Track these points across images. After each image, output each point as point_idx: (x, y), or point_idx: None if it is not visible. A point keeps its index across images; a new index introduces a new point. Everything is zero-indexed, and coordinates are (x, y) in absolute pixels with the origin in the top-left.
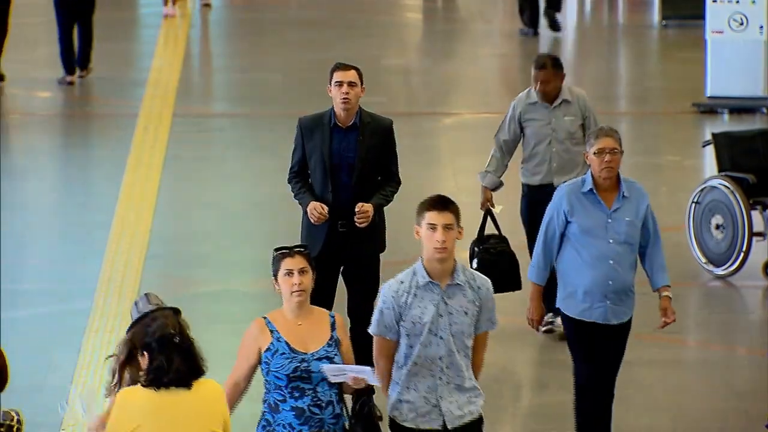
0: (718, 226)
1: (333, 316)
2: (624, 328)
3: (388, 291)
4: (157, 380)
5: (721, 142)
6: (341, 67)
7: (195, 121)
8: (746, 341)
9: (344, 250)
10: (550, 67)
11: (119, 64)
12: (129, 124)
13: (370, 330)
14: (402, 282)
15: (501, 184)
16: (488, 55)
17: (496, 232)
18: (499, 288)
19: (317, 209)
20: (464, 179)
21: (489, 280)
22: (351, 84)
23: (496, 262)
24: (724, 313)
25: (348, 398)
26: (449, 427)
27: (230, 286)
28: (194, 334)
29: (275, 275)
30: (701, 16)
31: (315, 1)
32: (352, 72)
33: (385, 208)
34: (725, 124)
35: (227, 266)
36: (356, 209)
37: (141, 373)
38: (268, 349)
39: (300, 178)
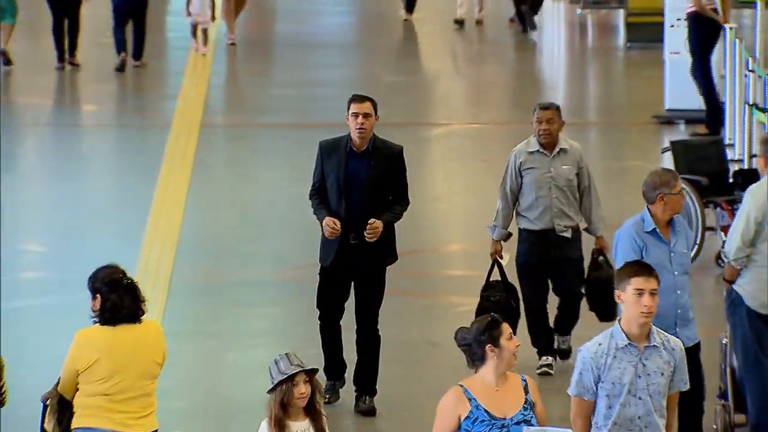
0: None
1: (525, 379)
2: (696, 349)
3: (586, 353)
4: (113, 318)
5: (678, 148)
6: (357, 99)
7: (220, 131)
8: (703, 322)
9: (355, 261)
10: (554, 108)
11: (153, 82)
12: (162, 133)
13: (569, 391)
14: (600, 344)
15: (509, 235)
16: (476, 74)
17: (503, 278)
18: None
19: (330, 224)
20: (454, 181)
21: (680, 342)
22: (366, 115)
23: (493, 310)
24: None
25: None
26: None
27: (251, 276)
28: (220, 317)
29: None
30: (661, 40)
31: (325, 26)
32: (367, 104)
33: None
34: (681, 133)
35: (248, 258)
36: (368, 224)
37: (93, 311)
38: (467, 418)
39: (319, 195)
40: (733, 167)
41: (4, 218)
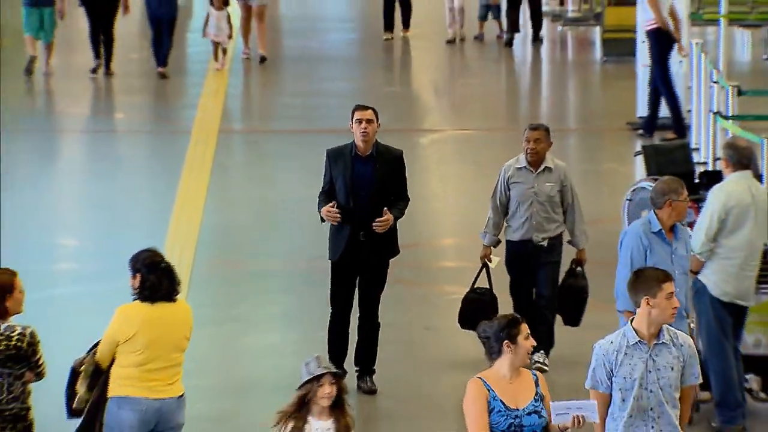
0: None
1: (535, 374)
2: None
3: (599, 350)
4: (151, 296)
5: (649, 152)
6: (360, 108)
7: (236, 137)
8: None
9: (363, 256)
10: (543, 130)
11: (176, 93)
12: (184, 139)
13: (585, 384)
14: (612, 342)
15: (499, 241)
16: (466, 85)
17: (489, 279)
18: (470, 323)
19: (328, 210)
20: (447, 182)
21: (690, 338)
22: (368, 121)
23: (477, 301)
24: None
25: None
26: None
27: (265, 267)
28: (236, 304)
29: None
30: (633, 54)
31: (329, 42)
32: (369, 111)
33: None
34: (654, 137)
35: (262, 251)
36: (382, 215)
37: (133, 288)
38: (489, 403)
39: (325, 197)
40: (699, 169)
41: (44, 215)
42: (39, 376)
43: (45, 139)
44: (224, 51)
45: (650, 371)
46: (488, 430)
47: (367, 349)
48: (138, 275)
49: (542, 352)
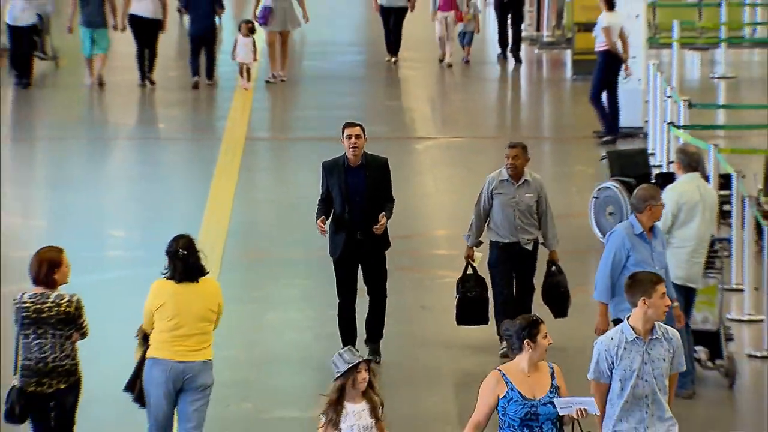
0: (610, 213)
1: (552, 367)
2: None
3: (601, 346)
4: (172, 277)
5: (613, 157)
6: (349, 125)
7: (260, 144)
8: None
9: (362, 252)
10: (520, 148)
11: (208, 106)
12: (215, 146)
13: (588, 375)
14: (612, 338)
15: (480, 243)
16: (457, 99)
17: (475, 274)
18: (468, 321)
19: (319, 225)
20: (440, 183)
21: (677, 332)
22: (357, 136)
23: (471, 302)
24: None
25: None
26: None
27: (284, 255)
28: (260, 286)
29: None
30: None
31: (340, 63)
32: (357, 128)
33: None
34: (616, 144)
35: (282, 241)
36: (379, 220)
37: (165, 270)
38: (504, 397)
39: (322, 204)
40: (655, 171)
41: (97, 210)
42: (83, 335)
43: (98, 146)
44: (248, 72)
45: (646, 363)
46: (487, 417)
47: (375, 323)
48: (171, 261)
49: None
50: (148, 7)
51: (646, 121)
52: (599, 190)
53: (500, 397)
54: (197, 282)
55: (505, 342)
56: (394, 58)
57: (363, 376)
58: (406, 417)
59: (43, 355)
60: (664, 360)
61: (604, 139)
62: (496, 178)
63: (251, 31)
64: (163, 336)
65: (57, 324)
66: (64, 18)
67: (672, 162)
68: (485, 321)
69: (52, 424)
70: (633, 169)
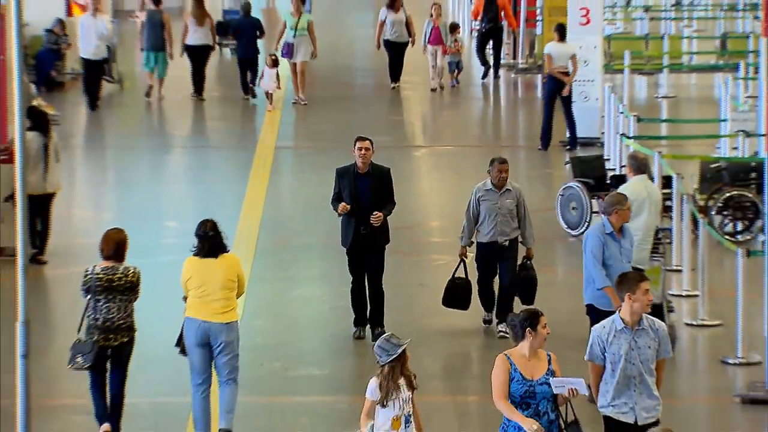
0: (573, 208)
1: (549, 355)
2: None
3: (595, 332)
4: (198, 254)
5: (575, 162)
6: (360, 139)
7: (287, 152)
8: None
9: (366, 245)
10: (505, 163)
11: (245, 122)
12: (250, 153)
13: (585, 357)
14: (604, 327)
15: (472, 242)
16: (448, 115)
17: (464, 274)
18: (451, 305)
19: (343, 207)
20: (434, 183)
21: (664, 324)
22: (366, 148)
23: (455, 284)
24: (577, 253)
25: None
26: (639, 423)
27: (306, 242)
28: (287, 267)
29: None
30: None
31: (352, 86)
32: (367, 142)
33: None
34: (578, 151)
35: (305, 231)
36: (373, 214)
37: (193, 248)
38: (511, 375)
39: (336, 202)
40: (610, 174)
41: (155, 206)
42: (136, 300)
43: (156, 153)
44: (271, 97)
45: (633, 349)
46: (508, 395)
47: (377, 311)
48: (199, 242)
49: (503, 325)
50: (200, 36)
51: (603, 133)
52: (564, 189)
53: (509, 373)
54: (218, 257)
55: (509, 330)
56: (396, 84)
57: (407, 356)
58: None
59: (110, 316)
60: (650, 347)
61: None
62: (481, 188)
63: (275, 63)
64: (194, 300)
65: (124, 291)
66: (126, 47)
67: (624, 166)
68: (466, 308)
69: (110, 371)
70: (592, 172)
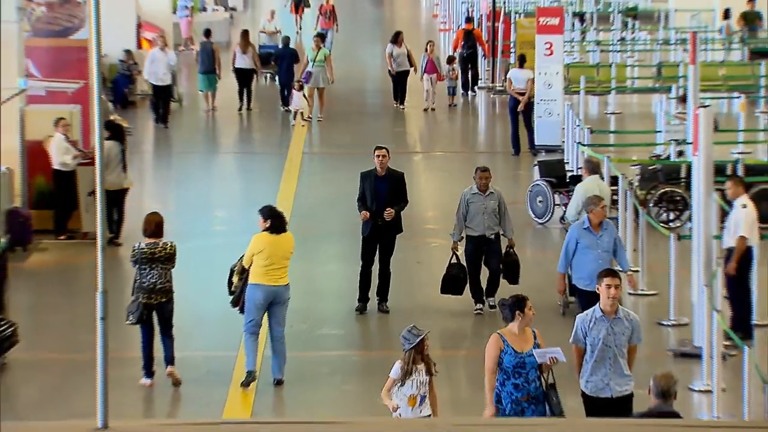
0: (540, 201)
1: (534, 331)
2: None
3: (579, 319)
4: (272, 231)
5: (542, 164)
6: (379, 147)
7: (313, 156)
8: (551, 248)
9: (381, 234)
10: (489, 171)
11: (278, 132)
12: (282, 157)
13: (570, 341)
14: (587, 314)
15: (462, 238)
16: (440, 128)
17: (458, 261)
18: (448, 292)
19: (363, 215)
20: (429, 181)
21: (637, 316)
22: (383, 156)
23: (450, 274)
24: (543, 237)
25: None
26: (614, 396)
27: (328, 229)
28: (312, 248)
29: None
30: (532, 109)
31: (364, 105)
32: (384, 150)
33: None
34: (544, 156)
35: (326, 220)
36: (386, 211)
37: (262, 227)
38: (502, 351)
39: (361, 201)
40: (569, 174)
41: (206, 199)
42: (173, 268)
43: (209, 156)
44: (301, 114)
45: (609, 335)
46: (496, 370)
47: (384, 287)
48: (267, 220)
49: (492, 298)
50: (246, 61)
51: (563, 141)
52: (532, 186)
53: (500, 351)
54: (281, 234)
55: (501, 312)
56: (402, 106)
57: (427, 343)
58: None
59: (153, 281)
60: (624, 334)
61: (535, 151)
62: (468, 192)
63: (301, 87)
64: (260, 270)
65: (163, 261)
66: (187, 71)
67: (580, 168)
68: (460, 293)
69: (157, 324)
70: (554, 173)
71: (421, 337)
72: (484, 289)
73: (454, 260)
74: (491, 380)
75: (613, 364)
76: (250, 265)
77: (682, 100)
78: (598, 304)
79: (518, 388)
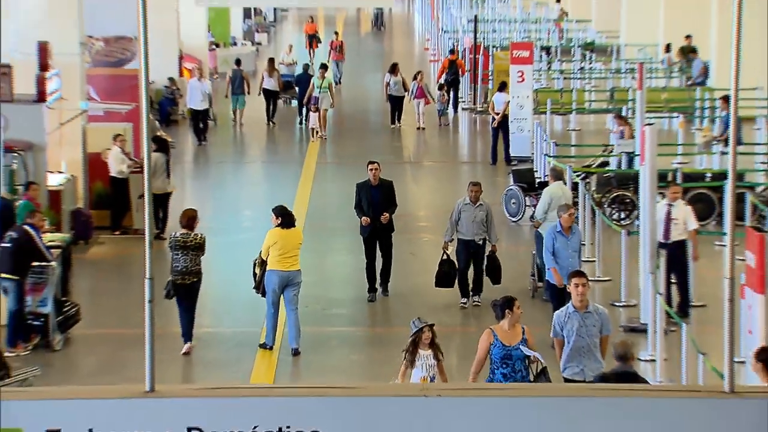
0: (513, 203)
1: (524, 327)
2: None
3: (555, 316)
4: (283, 226)
5: (515, 172)
6: (371, 162)
7: (326, 165)
8: (522, 243)
9: (378, 234)
10: (479, 185)
11: (296, 144)
12: (300, 164)
13: (551, 335)
14: (562, 311)
15: (452, 240)
16: (427, 143)
17: (448, 259)
18: (441, 286)
19: (365, 220)
20: (420, 186)
21: (606, 310)
22: (376, 168)
23: (442, 271)
24: (516, 233)
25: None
26: (587, 380)
27: (337, 225)
28: (325, 242)
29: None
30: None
31: (366, 122)
32: (375, 164)
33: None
34: (516, 165)
35: (336, 218)
36: (382, 215)
37: (274, 224)
38: (492, 344)
39: (359, 208)
40: (538, 180)
41: (235, 201)
42: (203, 255)
43: (239, 165)
44: (316, 133)
45: (582, 327)
46: (484, 360)
47: (385, 273)
48: (279, 217)
49: (478, 295)
50: (272, 83)
51: (533, 153)
52: (507, 190)
53: (490, 344)
54: (291, 228)
55: (493, 311)
56: (398, 125)
57: (426, 335)
58: (402, 316)
59: (185, 265)
60: (594, 326)
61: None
62: (461, 203)
63: (317, 110)
64: (276, 259)
65: (193, 249)
66: (219, 94)
67: (547, 175)
68: (451, 286)
69: (186, 301)
70: (525, 179)
71: (421, 327)
72: (469, 287)
73: (444, 257)
74: (476, 366)
75: (587, 352)
76: (268, 256)
77: (618, 116)
78: (570, 301)
79: (506, 377)
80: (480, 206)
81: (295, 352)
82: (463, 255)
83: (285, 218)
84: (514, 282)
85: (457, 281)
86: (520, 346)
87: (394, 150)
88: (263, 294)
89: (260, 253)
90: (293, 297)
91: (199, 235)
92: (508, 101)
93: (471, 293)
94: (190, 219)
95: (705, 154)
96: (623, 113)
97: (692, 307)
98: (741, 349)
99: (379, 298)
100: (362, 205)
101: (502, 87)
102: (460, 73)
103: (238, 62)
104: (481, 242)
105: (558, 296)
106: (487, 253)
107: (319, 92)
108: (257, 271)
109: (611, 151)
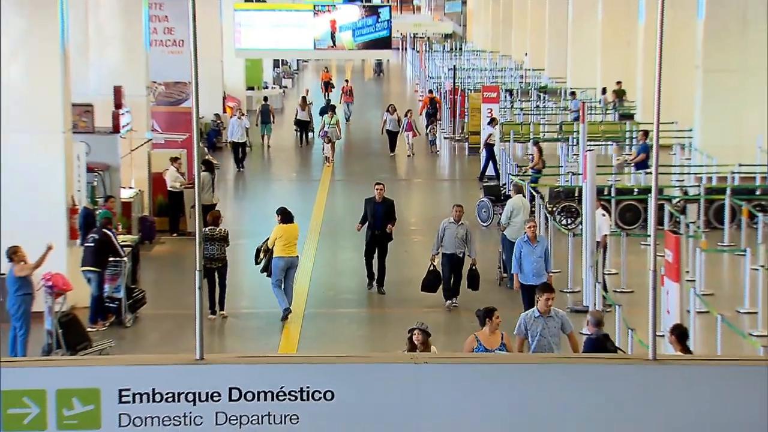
0: (484, 211)
1: (503, 334)
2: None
3: (522, 317)
4: (283, 222)
5: (485, 187)
6: (377, 183)
7: (338, 182)
8: (492, 243)
9: (378, 241)
10: (461, 207)
11: (314, 167)
12: (316, 182)
13: (515, 333)
14: (528, 314)
15: (438, 253)
16: (417, 165)
17: (435, 269)
18: (427, 291)
19: (358, 227)
20: (413, 200)
21: (564, 313)
22: (381, 189)
23: (429, 279)
24: (486, 236)
25: None
26: None
27: (346, 229)
28: (335, 241)
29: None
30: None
31: (369, 147)
32: (381, 185)
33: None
34: (487, 182)
35: (346, 223)
36: (387, 227)
37: (278, 221)
38: (475, 348)
39: (363, 219)
40: (503, 193)
41: (266, 209)
42: (227, 246)
43: (268, 182)
44: (328, 159)
45: (545, 329)
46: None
47: (381, 276)
48: (280, 216)
49: (455, 299)
50: (304, 115)
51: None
52: (479, 201)
53: (474, 348)
54: (291, 223)
55: (477, 319)
56: (395, 153)
57: (418, 337)
58: (398, 303)
59: (212, 253)
60: (556, 327)
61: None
62: (446, 221)
63: (330, 141)
64: (280, 247)
65: (219, 240)
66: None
67: (510, 190)
68: (434, 292)
69: (216, 282)
70: (494, 193)
71: (413, 329)
72: (451, 290)
73: (431, 268)
74: None
75: (548, 350)
76: (274, 245)
77: (535, 143)
78: (536, 306)
79: None
80: (461, 225)
81: (288, 311)
82: (446, 265)
83: (284, 217)
84: (485, 274)
85: (441, 287)
86: (500, 350)
87: (391, 170)
88: (269, 274)
89: (266, 241)
90: (293, 277)
91: (223, 230)
92: (491, 133)
93: (450, 297)
94: (215, 218)
95: (623, 174)
96: (571, 141)
97: (624, 293)
98: (662, 325)
99: (377, 290)
100: (368, 217)
101: (491, 122)
102: (437, 107)
103: (265, 99)
104: (461, 255)
105: (530, 300)
106: (469, 267)
107: (328, 128)
108: (262, 255)
109: (525, 172)
